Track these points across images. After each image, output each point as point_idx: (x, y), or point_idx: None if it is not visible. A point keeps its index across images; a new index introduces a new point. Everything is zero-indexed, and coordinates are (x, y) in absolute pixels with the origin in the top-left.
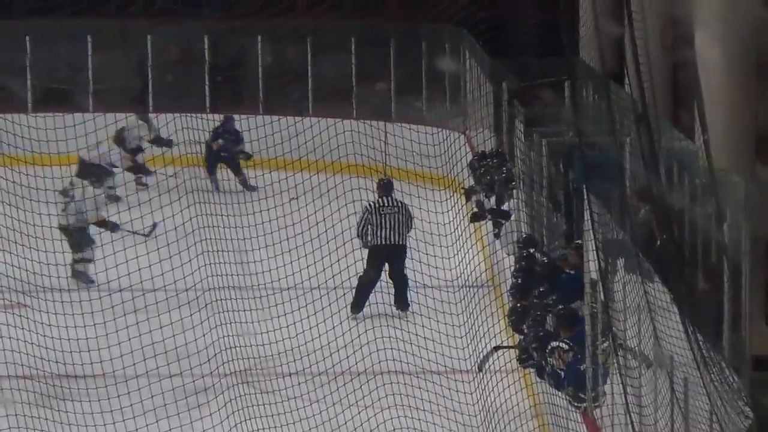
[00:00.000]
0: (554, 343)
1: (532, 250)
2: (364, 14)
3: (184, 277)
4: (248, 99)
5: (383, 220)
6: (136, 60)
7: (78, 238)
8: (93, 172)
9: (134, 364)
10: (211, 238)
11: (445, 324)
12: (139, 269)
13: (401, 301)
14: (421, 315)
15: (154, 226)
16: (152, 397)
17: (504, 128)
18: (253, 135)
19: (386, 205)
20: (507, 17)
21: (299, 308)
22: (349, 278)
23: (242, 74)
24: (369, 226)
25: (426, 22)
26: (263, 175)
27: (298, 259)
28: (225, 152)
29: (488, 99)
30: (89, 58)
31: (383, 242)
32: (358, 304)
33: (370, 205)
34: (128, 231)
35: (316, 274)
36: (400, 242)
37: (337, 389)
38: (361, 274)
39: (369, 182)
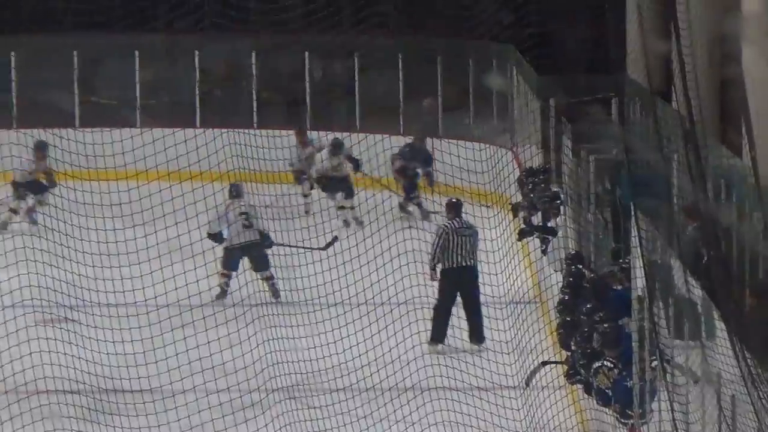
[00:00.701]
0: (597, 363)
1: (579, 267)
2: (412, 31)
3: (232, 293)
4: (295, 115)
5: (457, 243)
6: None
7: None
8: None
9: (182, 380)
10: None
11: (492, 340)
12: (187, 284)
13: (476, 335)
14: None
15: (334, 239)
16: (199, 412)
17: (551, 145)
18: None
19: (460, 226)
20: (555, 34)
21: (346, 324)
22: (396, 294)
23: (289, 90)
24: (440, 249)
25: (473, 38)
26: (312, 190)
27: (346, 275)
28: (407, 172)
29: (535, 115)
30: (137, 73)
31: (456, 265)
32: (437, 336)
33: (444, 226)
34: (304, 247)
35: (364, 290)
36: (473, 265)
37: (384, 405)
38: (436, 303)
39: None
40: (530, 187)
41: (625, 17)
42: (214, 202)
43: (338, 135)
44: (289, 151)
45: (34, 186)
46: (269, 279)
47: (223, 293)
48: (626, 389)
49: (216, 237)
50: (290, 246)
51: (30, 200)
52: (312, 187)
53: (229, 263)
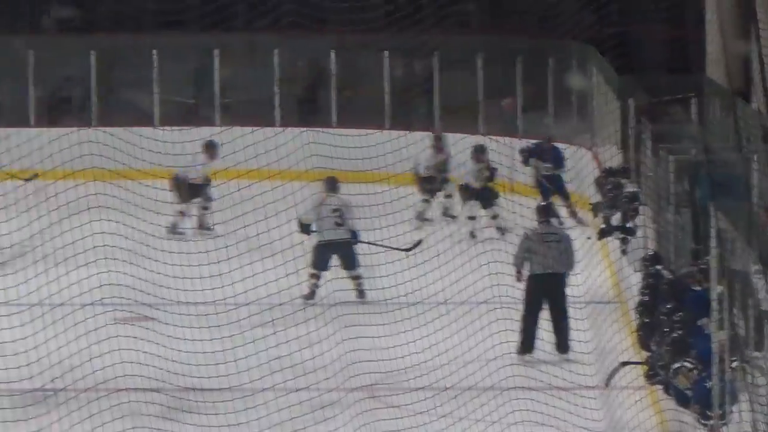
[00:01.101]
0: (677, 364)
1: (658, 268)
2: (492, 30)
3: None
4: (374, 114)
5: (543, 249)
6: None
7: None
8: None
9: (261, 378)
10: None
11: (572, 340)
12: (266, 283)
13: (561, 345)
14: (549, 331)
15: (419, 242)
16: (279, 411)
17: (631, 145)
18: (380, 150)
19: (547, 232)
20: (635, 34)
21: (426, 323)
22: (475, 294)
23: (369, 89)
24: (527, 254)
25: (554, 38)
26: (389, 190)
27: (425, 274)
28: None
29: (615, 115)
30: (216, 72)
31: (540, 272)
32: (525, 346)
33: (530, 231)
34: (386, 246)
35: (443, 290)
36: (560, 272)
37: (464, 404)
38: (522, 312)
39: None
40: (609, 187)
41: (705, 18)
42: (293, 200)
43: (481, 140)
44: (416, 156)
45: (200, 188)
46: (357, 278)
47: (312, 294)
48: (706, 390)
49: (306, 228)
50: (374, 244)
51: (199, 202)
52: (449, 195)
53: (319, 262)
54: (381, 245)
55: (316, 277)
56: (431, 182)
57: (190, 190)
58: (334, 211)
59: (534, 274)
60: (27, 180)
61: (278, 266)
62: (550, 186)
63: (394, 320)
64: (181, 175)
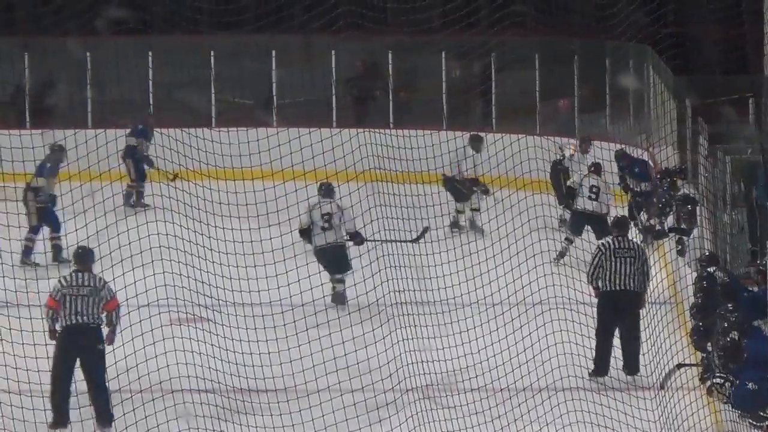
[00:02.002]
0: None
1: (713, 269)
2: (549, 31)
3: (366, 293)
4: (431, 114)
5: (617, 265)
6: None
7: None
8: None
9: (316, 379)
10: (393, 254)
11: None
12: (322, 284)
13: (629, 365)
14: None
15: (425, 230)
16: (334, 411)
17: (687, 145)
18: (436, 150)
19: (622, 247)
20: (691, 35)
21: (481, 324)
22: (531, 294)
23: (425, 90)
24: (600, 270)
25: (610, 39)
26: (438, 192)
27: (481, 275)
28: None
29: (672, 116)
30: (273, 73)
31: (613, 288)
32: (599, 368)
33: (603, 245)
34: (395, 240)
35: (498, 290)
36: (634, 290)
37: (518, 405)
38: (595, 331)
39: (548, 198)
40: (666, 187)
41: (763, 18)
42: (350, 201)
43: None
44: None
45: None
46: (340, 282)
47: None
48: (749, 393)
49: (306, 233)
50: (380, 241)
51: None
52: (476, 209)
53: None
54: (387, 240)
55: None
56: (468, 186)
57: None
58: (324, 215)
59: (604, 291)
60: (170, 180)
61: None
62: (640, 199)
63: (449, 321)
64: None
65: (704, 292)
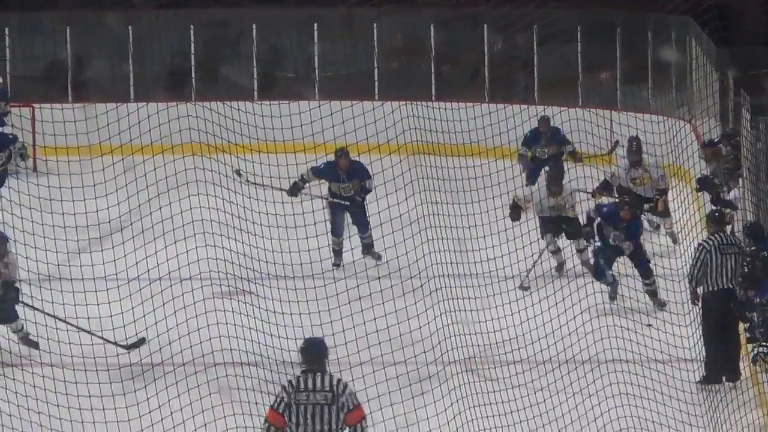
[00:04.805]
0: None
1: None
2: (591, 3)
3: (409, 265)
4: (473, 87)
5: (720, 262)
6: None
7: None
8: None
9: (358, 352)
10: (435, 226)
11: (670, 312)
12: (363, 257)
13: (731, 371)
14: (646, 303)
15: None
16: (376, 384)
17: (730, 117)
18: (478, 123)
19: (726, 242)
20: (734, 7)
21: (523, 296)
22: (574, 267)
23: (467, 62)
24: (706, 268)
25: (652, 11)
26: (481, 165)
27: (523, 247)
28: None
29: (714, 88)
30: (315, 46)
31: (718, 288)
32: (710, 376)
33: (707, 242)
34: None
35: (541, 263)
36: (734, 288)
37: (561, 378)
38: (703, 336)
39: (593, 170)
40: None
41: None
42: (392, 174)
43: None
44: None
45: None
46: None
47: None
48: None
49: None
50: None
51: None
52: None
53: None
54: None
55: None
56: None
57: None
58: None
59: (709, 291)
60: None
61: (377, 240)
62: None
63: (491, 294)
64: None
65: (749, 263)
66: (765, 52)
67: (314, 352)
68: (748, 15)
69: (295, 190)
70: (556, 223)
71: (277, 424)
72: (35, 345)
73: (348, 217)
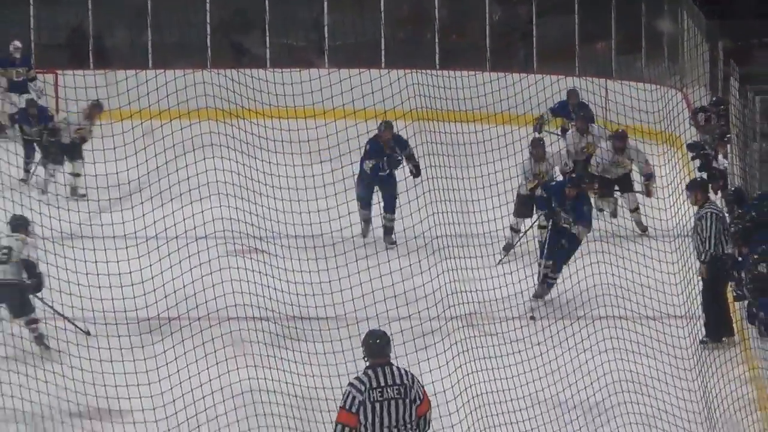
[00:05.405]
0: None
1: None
2: None
3: (413, 226)
4: (475, 56)
5: (722, 229)
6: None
7: None
8: None
9: (365, 307)
10: (439, 189)
11: (662, 272)
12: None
13: (731, 330)
14: (638, 263)
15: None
16: None
17: (719, 86)
18: (480, 91)
19: (720, 211)
20: None
21: (522, 255)
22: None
23: (470, 33)
24: (716, 236)
25: None
26: (482, 130)
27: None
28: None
29: (704, 58)
30: (325, 16)
31: (720, 253)
32: (713, 333)
33: (714, 210)
34: None
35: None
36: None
37: (557, 333)
38: (703, 299)
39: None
40: (703, 123)
41: None
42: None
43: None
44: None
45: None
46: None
47: None
48: None
49: None
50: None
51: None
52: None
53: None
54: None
55: None
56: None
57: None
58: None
59: (718, 255)
60: None
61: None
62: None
63: (491, 253)
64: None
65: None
66: (752, 24)
67: (379, 343)
68: None
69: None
70: (529, 206)
71: (351, 424)
72: (46, 346)
73: (379, 195)
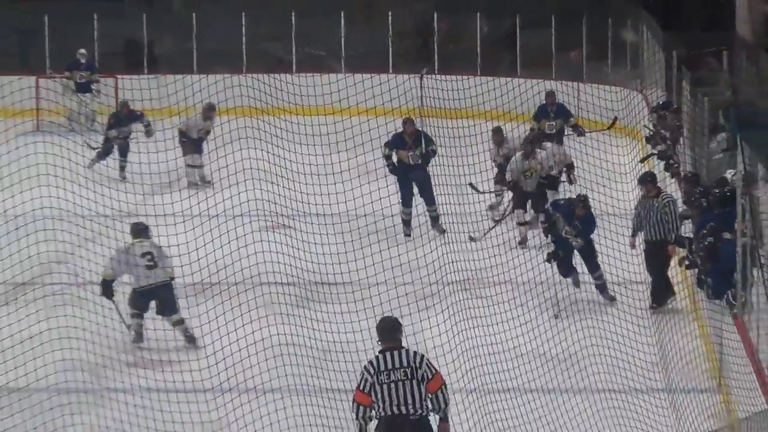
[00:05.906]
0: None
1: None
2: None
3: (416, 205)
4: (468, 62)
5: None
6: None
7: None
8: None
9: (375, 274)
10: (438, 174)
11: (621, 252)
12: (381, 198)
13: (672, 293)
14: (601, 245)
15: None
16: (390, 300)
17: (674, 88)
18: (472, 92)
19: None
20: None
21: (512, 229)
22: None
23: (464, 43)
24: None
25: (612, 0)
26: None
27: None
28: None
29: (661, 64)
30: (342, 29)
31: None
32: (659, 301)
33: (674, 199)
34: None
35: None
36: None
37: (542, 293)
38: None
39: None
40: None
41: None
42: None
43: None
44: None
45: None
46: (179, 323)
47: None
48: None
49: (107, 287)
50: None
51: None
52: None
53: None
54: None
55: (139, 317)
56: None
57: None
58: (144, 255)
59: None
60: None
61: (390, 185)
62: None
63: (484, 228)
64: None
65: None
66: (702, 35)
67: (389, 328)
68: (687, 5)
69: (390, 167)
70: (526, 197)
71: (365, 403)
72: (193, 340)
73: (416, 189)
